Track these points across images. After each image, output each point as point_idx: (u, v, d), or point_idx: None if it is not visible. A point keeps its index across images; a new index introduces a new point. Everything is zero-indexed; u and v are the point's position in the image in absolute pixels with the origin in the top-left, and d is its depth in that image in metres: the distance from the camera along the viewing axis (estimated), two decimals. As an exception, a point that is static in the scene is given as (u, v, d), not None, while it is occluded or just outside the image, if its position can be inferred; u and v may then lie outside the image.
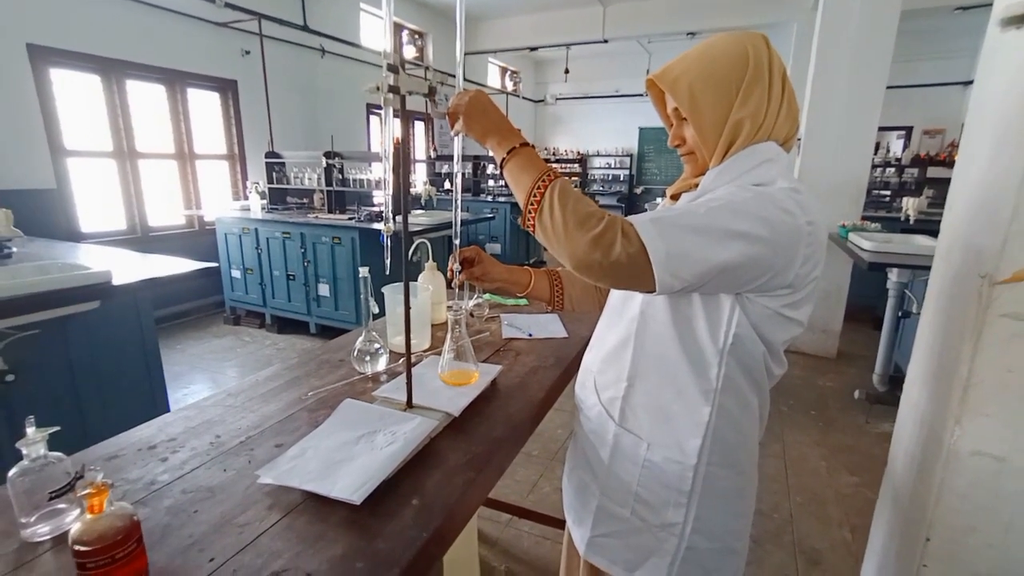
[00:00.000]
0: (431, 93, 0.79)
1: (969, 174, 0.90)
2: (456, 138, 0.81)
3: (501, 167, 0.76)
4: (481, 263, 1.01)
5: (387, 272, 0.83)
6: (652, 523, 0.80)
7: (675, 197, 0.81)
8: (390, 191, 0.79)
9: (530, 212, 0.69)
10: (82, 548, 0.51)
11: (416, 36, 7.23)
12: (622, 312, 0.83)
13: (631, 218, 0.65)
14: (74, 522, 0.56)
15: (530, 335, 1.39)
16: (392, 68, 0.70)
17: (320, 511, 0.69)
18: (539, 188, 0.69)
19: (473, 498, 0.78)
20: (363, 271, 1.07)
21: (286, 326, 4.09)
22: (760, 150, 0.71)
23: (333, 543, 0.63)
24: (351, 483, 0.71)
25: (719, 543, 0.80)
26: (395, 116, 0.77)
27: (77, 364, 1.80)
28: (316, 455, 0.78)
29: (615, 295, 0.88)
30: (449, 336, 0.99)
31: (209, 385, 3.18)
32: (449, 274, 0.99)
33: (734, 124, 0.70)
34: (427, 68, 7.05)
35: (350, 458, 0.77)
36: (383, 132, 0.80)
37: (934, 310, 0.97)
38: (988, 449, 0.79)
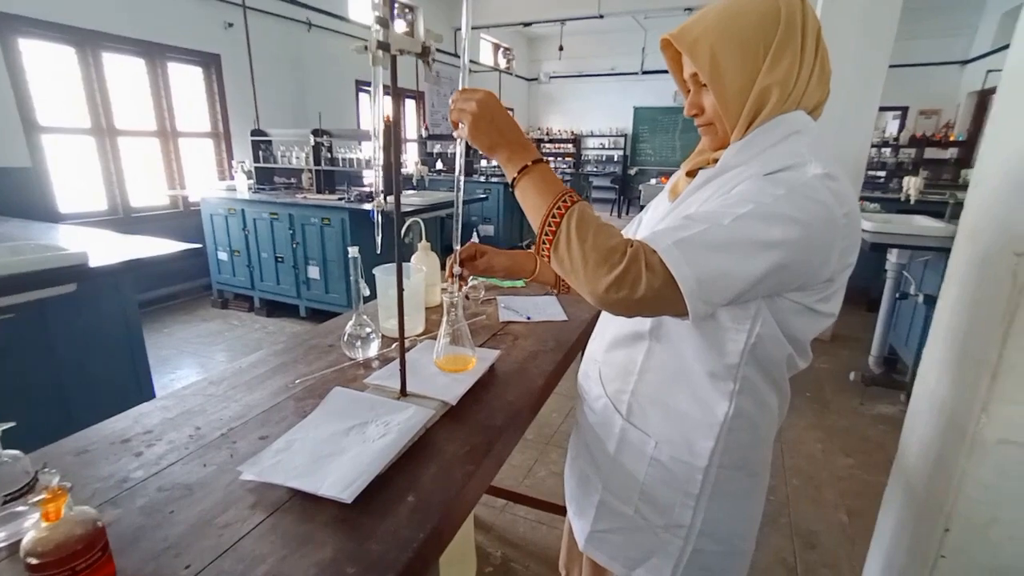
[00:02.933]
0: (424, 54, 0.72)
1: (1002, 146, 0.84)
2: (459, 140, 0.74)
3: (512, 186, 0.68)
4: (484, 255, 0.96)
5: (378, 251, 0.76)
6: (656, 523, 0.76)
7: (691, 174, 0.74)
8: (380, 162, 0.73)
9: (545, 242, 0.63)
10: (35, 561, 0.45)
11: (406, 10, 7.01)
12: None
13: (652, 242, 0.58)
14: (31, 528, 0.51)
15: (528, 318, 1.34)
16: (381, 21, 0.63)
17: (307, 510, 0.63)
18: (555, 217, 0.62)
19: (472, 492, 0.74)
20: (352, 251, 1.00)
21: (275, 309, 4.01)
22: (787, 120, 0.64)
23: (322, 545, 0.58)
24: (341, 479, 0.66)
25: (726, 545, 0.76)
26: (385, 93, 0.70)
27: (57, 349, 1.72)
28: (303, 448, 0.73)
29: None
30: (445, 320, 0.94)
31: (197, 370, 3.11)
32: (449, 279, 0.92)
33: (760, 92, 0.62)
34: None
35: (340, 451, 0.72)
36: (373, 98, 0.73)
37: (956, 292, 0.93)
38: (1017, 437, 0.75)
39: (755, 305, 0.64)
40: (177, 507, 0.64)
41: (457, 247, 0.93)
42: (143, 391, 2.03)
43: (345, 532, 0.60)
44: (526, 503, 1.88)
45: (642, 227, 0.84)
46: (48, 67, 3.45)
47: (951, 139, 6.06)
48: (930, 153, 5.97)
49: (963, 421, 0.80)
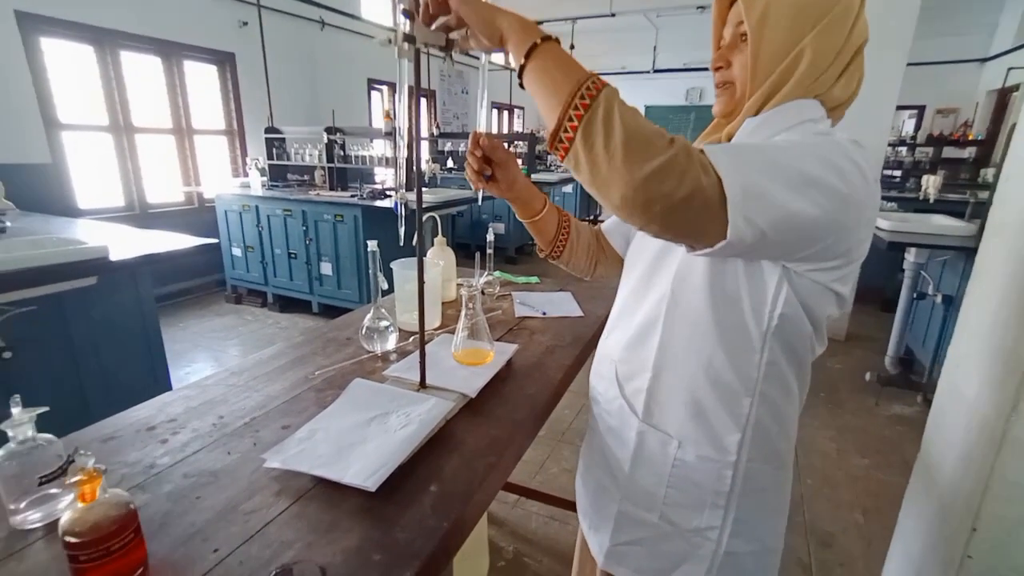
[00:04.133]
0: (448, 46, 0.72)
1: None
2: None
3: (521, 71, 0.57)
4: (507, 152, 0.83)
5: (401, 243, 0.77)
6: (684, 528, 0.72)
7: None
8: (403, 153, 0.73)
9: (566, 131, 0.51)
10: (73, 540, 0.46)
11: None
12: (647, 291, 0.74)
13: (694, 144, 0.53)
14: (66, 509, 0.52)
15: (544, 314, 1.34)
16: (407, 14, 0.63)
17: (332, 498, 0.64)
18: (589, 89, 0.51)
19: (493, 484, 0.74)
20: (372, 244, 1.01)
21: (288, 305, 4.04)
22: (804, 107, 0.62)
23: (347, 533, 0.59)
24: (364, 468, 0.66)
25: (758, 544, 0.73)
26: (409, 94, 0.70)
27: (77, 341, 1.75)
28: (326, 438, 0.74)
29: (638, 269, 0.77)
30: (463, 313, 0.94)
31: (211, 363, 3.15)
32: (473, 143, 0.79)
33: (795, 56, 0.60)
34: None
35: (362, 441, 0.73)
36: (398, 94, 0.73)
37: (983, 290, 0.91)
38: (1048, 436, 0.74)
39: (775, 283, 0.62)
40: (203, 493, 0.65)
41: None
42: (159, 383, 2.06)
43: (370, 520, 0.61)
44: (538, 499, 1.88)
45: None
46: (68, 65, 3.51)
47: (969, 138, 5.95)
48: (948, 152, 5.87)
49: (992, 419, 0.79)
